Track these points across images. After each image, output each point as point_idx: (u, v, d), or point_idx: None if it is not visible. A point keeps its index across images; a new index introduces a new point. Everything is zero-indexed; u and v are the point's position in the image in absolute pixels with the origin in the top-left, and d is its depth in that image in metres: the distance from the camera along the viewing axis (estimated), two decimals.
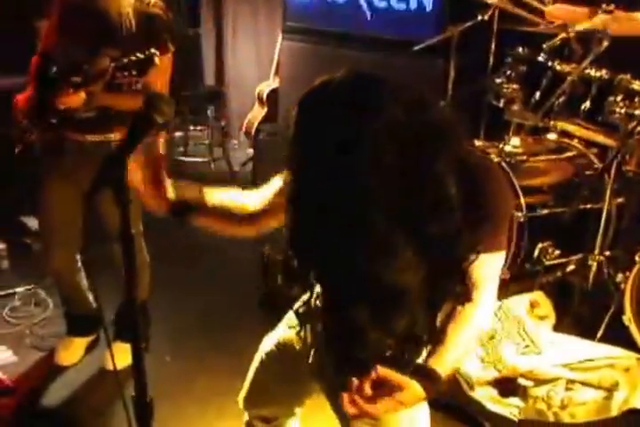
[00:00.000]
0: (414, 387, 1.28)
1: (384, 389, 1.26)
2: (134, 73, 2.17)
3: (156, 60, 2.16)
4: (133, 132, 1.21)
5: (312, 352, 1.56)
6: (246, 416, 1.93)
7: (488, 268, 1.40)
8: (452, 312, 1.41)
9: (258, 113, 5.27)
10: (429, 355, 1.38)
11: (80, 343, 2.95)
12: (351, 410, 1.24)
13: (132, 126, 1.21)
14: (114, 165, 1.16)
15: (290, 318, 1.67)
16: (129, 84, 2.24)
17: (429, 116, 1.21)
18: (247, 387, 1.81)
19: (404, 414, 1.45)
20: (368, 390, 1.25)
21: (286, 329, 1.68)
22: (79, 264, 2.78)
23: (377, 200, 1.17)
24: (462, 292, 1.40)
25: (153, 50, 2.16)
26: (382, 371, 1.26)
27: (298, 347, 1.63)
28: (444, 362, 1.35)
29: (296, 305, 1.59)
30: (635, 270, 2.58)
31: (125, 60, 2.17)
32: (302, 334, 1.58)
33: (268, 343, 1.75)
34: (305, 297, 1.56)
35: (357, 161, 1.14)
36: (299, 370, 1.61)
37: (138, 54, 2.15)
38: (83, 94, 2.26)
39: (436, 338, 1.39)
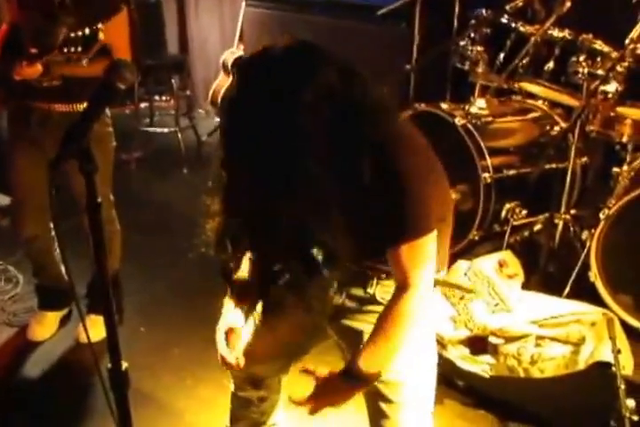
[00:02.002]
0: (334, 390, 1.44)
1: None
2: (79, 49, 2.17)
3: (101, 35, 2.16)
4: (96, 99, 1.20)
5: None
6: (233, 387, 1.92)
7: (416, 256, 1.36)
8: (386, 307, 1.43)
9: (223, 82, 5.19)
10: (359, 353, 1.41)
11: (53, 317, 2.94)
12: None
13: (93, 94, 1.19)
14: (77, 134, 1.14)
15: None
16: (77, 58, 2.23)
17: (358, 89, 1.27)
18: (249, 341, 1.78)
19: (409, 378, 1.52)
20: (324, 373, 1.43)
21: None
22: (53, 233, 2.75)
23: (306, 167, 1.24)
24: (390, 277, 1.46)
25: (99, 25, 2.16)
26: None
27: None
28: (375, 359, 1.39)
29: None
30: (599, 228, 2.62)
31: (72, 35, 2.17)
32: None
33: None
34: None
35: (289, 126, 1.20)
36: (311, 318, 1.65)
37: (86, 30, 2.16)
38: (39, 66, 2.26)
39: (370, 336, 1.42)
